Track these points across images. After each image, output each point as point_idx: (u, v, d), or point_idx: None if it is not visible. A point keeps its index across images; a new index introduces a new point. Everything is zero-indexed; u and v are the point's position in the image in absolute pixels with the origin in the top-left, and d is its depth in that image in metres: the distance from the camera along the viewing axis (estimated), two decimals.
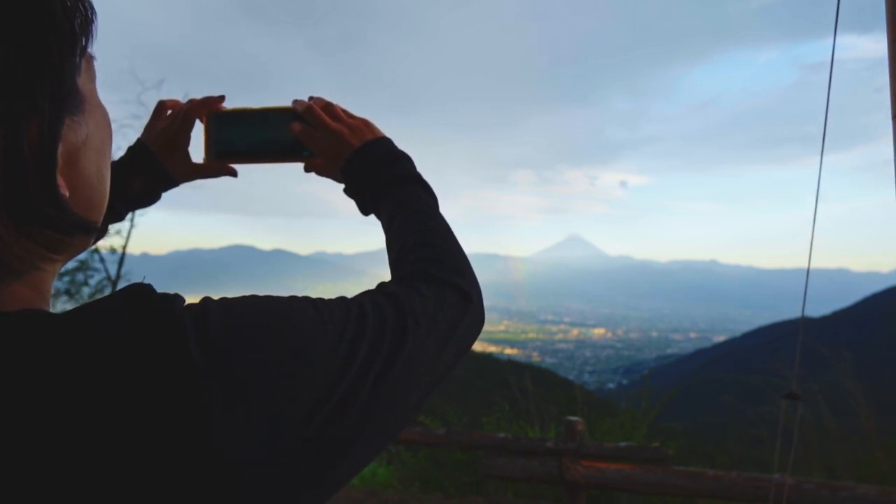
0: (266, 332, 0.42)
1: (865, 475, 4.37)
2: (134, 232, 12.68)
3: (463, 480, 5.19)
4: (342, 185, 0.84)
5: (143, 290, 0.41)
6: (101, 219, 0.49)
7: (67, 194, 0.41)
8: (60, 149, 0.40)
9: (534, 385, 6.12)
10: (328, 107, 0.81)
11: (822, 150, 1.18)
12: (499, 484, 5.00)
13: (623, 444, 4.16)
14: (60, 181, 0.40)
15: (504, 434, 4.55)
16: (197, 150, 0.85)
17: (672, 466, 3.82)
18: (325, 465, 0.43)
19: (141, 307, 0.39)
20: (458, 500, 4.71)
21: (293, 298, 0.49)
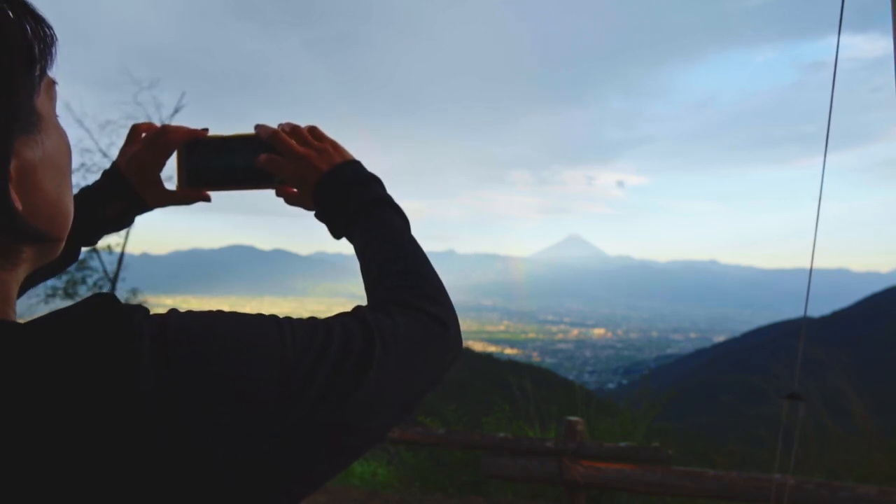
0: (222, 345, 0.43)
1: (865, 475, 4.37)
2: (134, 232, 12.70)
3: (463, 480, 5.19)
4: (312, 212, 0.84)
5: (104, 301, 0.42)
6: (64, 234, 0.50)
7: (20, 207, 0.43)
8: (14, 163, 0.42)
9: (534, 385, 6.12)
10: (295, 131, 0.80)
11: (826, 149, 1.17)
12: (499, 484, 5.00)
13: (623, 444, 4.16)
14: (13, 194, 0.42)
15: (504, 434, 4.55)
16: (171, 176, 0.86)
17: (672, 466, 3.82)
18: (274, 479, 0.43)
19: (100, 318, 0.40)
20: (458, 500, 4.71)
21: (259, 316, 0.49)
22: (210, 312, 0.46)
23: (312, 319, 0.53)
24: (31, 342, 0.38)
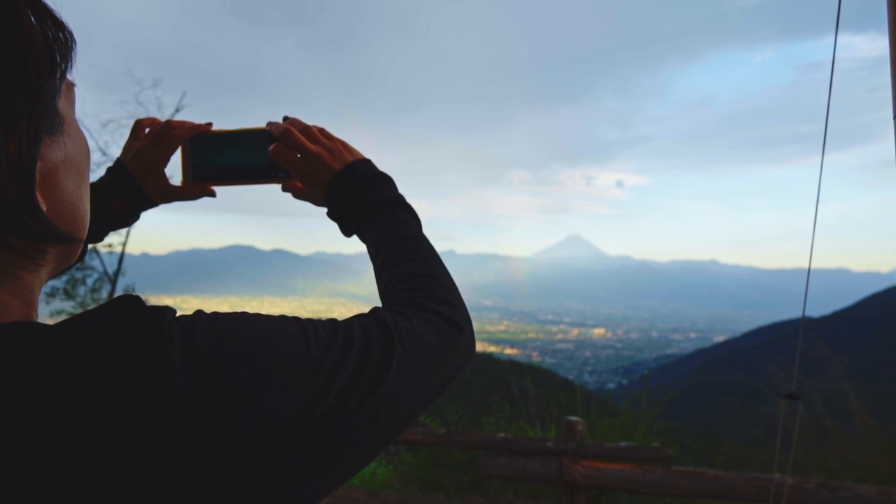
0: (250, 347, 0.43)
1: (864, 475, 4.37)
2: (134, 232, 12.70)
3: (463, 480, 5.19)
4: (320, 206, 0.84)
5: (130, 302, 0.42)
6: (84, 235, 0.50)
7: (45, 208, 0.43)
8: (39, 166, 0.42)
9: (534, 385, 6.12)
10: (306, 129, 0.81)
11: (824, 149, 1.18)
12: (499, 484, 5.00)
13: (623, 444, 4.16)
14: (39, 196, 0.42)
15: (504, 434, 4.55)
16: (175, 172, 0.85)
17: (672, 466, 3.83)
18: (298, 479, 0.44)
19: (127, 320, 0.40)
20: (458, 500, 4.71)
21: (282, 317, 0.50)
22: (236, 315, 0.47)
23: (332, 321, 0.53)
24: (60, 345, 0.38)
